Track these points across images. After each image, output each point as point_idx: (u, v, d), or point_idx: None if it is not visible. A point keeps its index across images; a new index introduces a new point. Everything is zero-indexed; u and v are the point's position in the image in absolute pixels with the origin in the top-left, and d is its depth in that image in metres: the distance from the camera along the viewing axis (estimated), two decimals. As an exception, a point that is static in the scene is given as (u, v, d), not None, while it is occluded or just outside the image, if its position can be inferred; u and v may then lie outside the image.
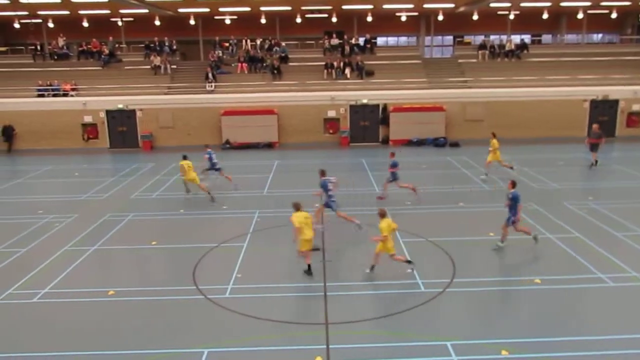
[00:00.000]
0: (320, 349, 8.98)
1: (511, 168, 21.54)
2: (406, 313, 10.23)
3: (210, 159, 20.37)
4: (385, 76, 32.30)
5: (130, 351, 9.07)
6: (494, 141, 21.48)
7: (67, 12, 31.14)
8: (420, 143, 30.27)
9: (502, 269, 12.58)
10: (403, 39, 42.60)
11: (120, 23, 35.09)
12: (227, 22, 34.24)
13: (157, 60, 33.50)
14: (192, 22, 34.24)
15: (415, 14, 36.12)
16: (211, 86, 31.71)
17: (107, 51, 34.44)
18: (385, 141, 30.95)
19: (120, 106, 30.82)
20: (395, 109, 30.63)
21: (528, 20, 36.92)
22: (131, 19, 35.30)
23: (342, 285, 11.63)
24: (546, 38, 41.74)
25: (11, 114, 30.77)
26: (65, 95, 31.54)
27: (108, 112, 30.98)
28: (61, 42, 35.60)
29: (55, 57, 35.09)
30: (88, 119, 31.02)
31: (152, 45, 35.02)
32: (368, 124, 31.22)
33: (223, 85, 32.03)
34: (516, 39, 36.25)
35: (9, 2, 25.59)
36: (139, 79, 32.45)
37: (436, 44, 41.09)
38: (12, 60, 35.45)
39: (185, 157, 19.16)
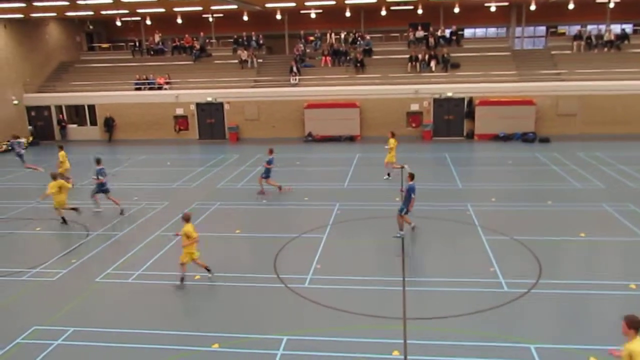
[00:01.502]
0: (397, 343, 8.96)
1: (402, 167, 18.88)
2: (488, 312, 9.95)
3: (12, 148, 21.40)
4: (471, 69, 31.32)
5: (211, 333, 9.53)
6: (392, 140, 20.67)
7: (163, 10, 32.83)
8: (507, 138, 29.12)
9: (593, 272, 11.86)
10: (492, 30, 41.02)
11: (210, 19, 36.51)
12: (313, 16, 34.62)
13: (244, 54, 34.58)
14: (278, 16, 34.94)
15: (506, 3, 34.62)
16: (295, 79, 32.26)
17: (198, 46, 36.07)
18: (470, 136, 30.06)
19: (209, 99, 32.16)
20: (482, 102, 29.65)
21: (630, 8, 34.22)
22: (221, 15, 36.61)
23: (421, 281, 11.51)
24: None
25: (112, 106, 33.07)
26: (159, 88, 33.39)
27: (198, 104, 32.44)
28: (157, 38, 37.75)
29: (152, 53, 37.28)
30: (179, 111, 32.66)
31: (240, 40, 36.22)
32: (452, 118, 30.45)
33: (307, 79, 32.49)
34: (616, 28, 33.80)
35: (112, 1, 27.33)
36: (227, 73, 33.67)
37: (527, 34, 39.19)
38: (113, 56, 38.04)
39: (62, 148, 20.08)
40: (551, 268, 11.82)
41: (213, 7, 32.91)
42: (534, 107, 29.08)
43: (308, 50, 35.13)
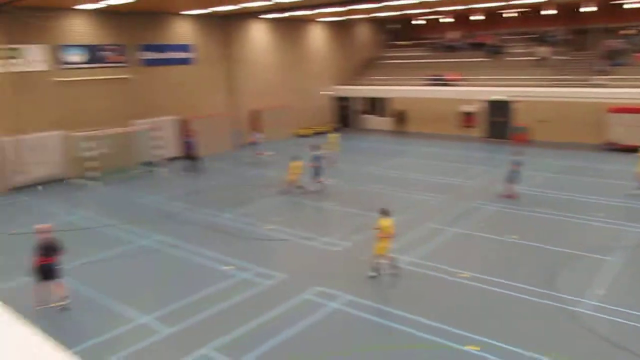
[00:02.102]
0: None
1: None
2: None
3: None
4: None
5: (467, 333, 9.59)
6: None
7: (462, 7, 33.20)
8: None
9: None
10: None
11: (510, 15, 35.35)
12: (630, 6, 30.29)
13: (543, 51, 32.52)
14: (586, 9, 31.70)
15: None
16: (601, 79, 28.89)
17: (494, 43, 35.39)
18: None
19: (500, 97, 31.34)
20: None
21: None
22: (521, 10, 35.11)
23: None
24: None
25: (405, 100, 35.18)
26: (450, 85, 34.03)
27: (486, 102, 31.96)
28: (453, 35, 38.42)
29: (447, 50, 38.13)
30: (467, 108, 32.73)
31: (539, 35, 34.16)
32: None
33: (616, 79, 28.77)
34: None
35: (415, 2, 28.83)
36: (522, 71, 32.23)
37: None
38: (411, 53, 40.25)
39: (296, 159, 19.86)
40: None
41: (513, 2, 31.78)
42: None
43: (622, 47, 30.96)
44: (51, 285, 10.94)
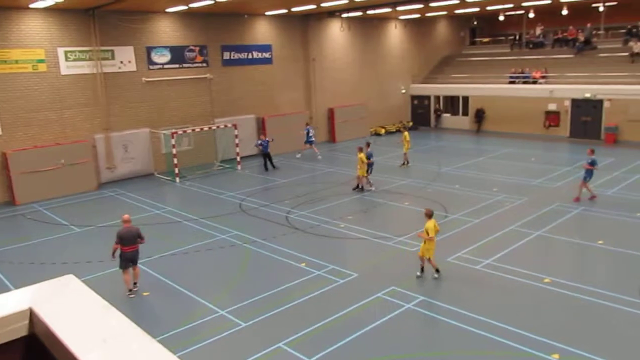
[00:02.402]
0: None
1: None
2: None
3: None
4: None
5: (553, 342, 9.10)
6: None
7: (548, 2, 31.59)
8: None
9: None
10: None
11: (601, 8, 33.26)
12: None
13: (636, 46, 30.36)
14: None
15: None
16: None
17: (582, 38, 33.44)
18: None
19: (587, 95, 29.61)
20: None
21: None
22: (614, 3, 32.92)
23: None
24: None
25: (484, 99, 34.08)
26: (534, 82, 32.56)
27: (573, 100, 30.31)
28: (538, 31, 36.69)
29: (531, 46, 36.51)
30: (552, 106, 31.18)
31: (633, 30, 31.90)
32: None
33: None
34: None
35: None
36: (613, 67, 30.26)
37: None
38: (492, 50, 38.93)
39: (362, 150, 19.82)
40: None
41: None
42: None
43: None
44: (132, 270, 11.73)
